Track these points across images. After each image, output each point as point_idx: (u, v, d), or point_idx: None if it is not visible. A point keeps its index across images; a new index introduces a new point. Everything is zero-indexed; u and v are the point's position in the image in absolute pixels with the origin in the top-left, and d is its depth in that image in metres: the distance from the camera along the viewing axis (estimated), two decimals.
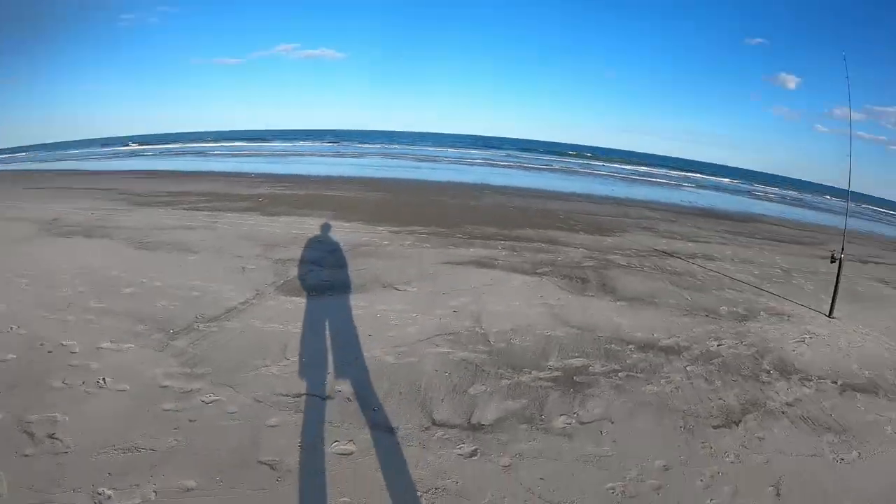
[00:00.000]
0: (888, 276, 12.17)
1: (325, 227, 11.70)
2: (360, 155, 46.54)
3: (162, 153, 51.66)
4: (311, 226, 11.85)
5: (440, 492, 3.46)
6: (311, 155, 45.32)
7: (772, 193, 50.33)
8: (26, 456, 3.94)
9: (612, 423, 4.41)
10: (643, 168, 61.14)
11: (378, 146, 66.82)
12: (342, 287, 7.63)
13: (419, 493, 3.45)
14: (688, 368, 5.57)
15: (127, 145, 70.89)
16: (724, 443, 4.25)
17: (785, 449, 4.27)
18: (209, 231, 11.40)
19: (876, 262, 14.17)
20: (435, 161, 41.27)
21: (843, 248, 8.06)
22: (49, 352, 5.72)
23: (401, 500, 3.42)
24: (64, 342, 5.94)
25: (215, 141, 75.78)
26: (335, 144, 67.37)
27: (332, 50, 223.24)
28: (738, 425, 4.57)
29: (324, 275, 8.21)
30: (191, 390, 4.76)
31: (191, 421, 4.28)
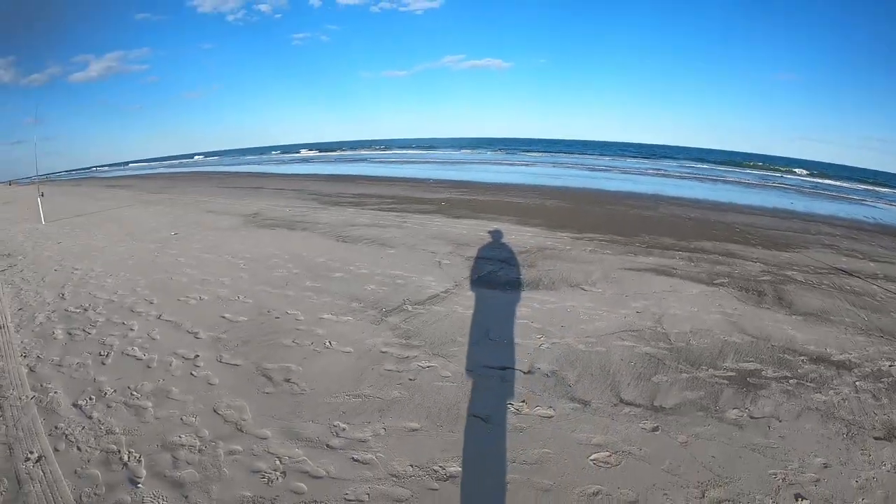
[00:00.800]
0: None
1: (509, 231, 12.33)
2: (530, 164, 46.89)
3: (338, 160, 54.62)
4: (495, 228, 12.52)
5: (626, 454, 4.01)
6: (481, 163, 46.26)
7: None
8: (267, 394, 4.94)
9: (780, 421, 4.72)
10: (824, 181, 57.87)
11: (546, 155, 66.88)
12: (533, 284, 8.22)
13: (609, 453, 4.01)
14: (857, 383, 5.72)
15: (298, 152, 75.73)
16: (884, 453, 4.45)
17: None
18: (400, 230, 12.38)
19: None
20: (607, 171, 41.04)
21: None
22: (277, 318, 6.77)
23: (594, 455, 4.00)
24: (289, 311, 7.00)
25: (387, 148, 79.28)
26: (505, 153, 68.18)
27: (499, 60, 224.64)
28: None
29: (515, 272, 8.82)
30: (408, 357, 5.56)
31: (410, 380, 5.08)
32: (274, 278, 8.51)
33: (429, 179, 27.65)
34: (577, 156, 67.75)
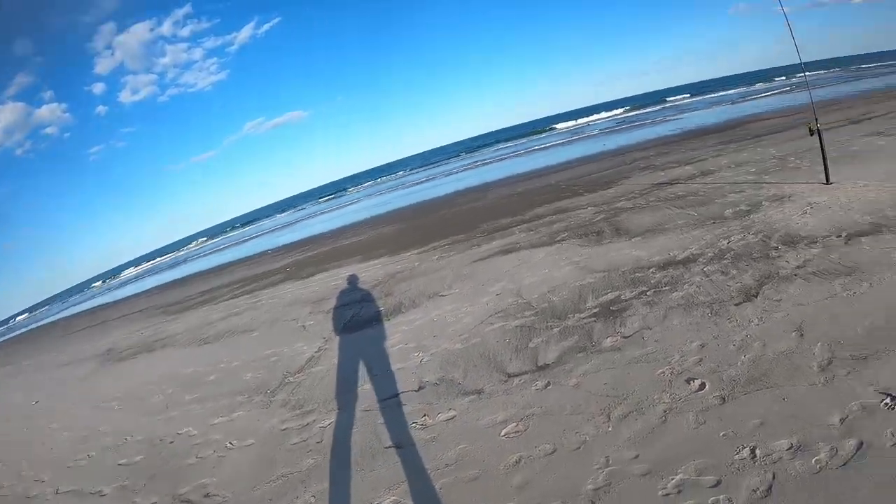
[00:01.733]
0: (881, 127, 12.87)
1: (358, 270, 12.50)
2: (356, 200, 47.29)
3: (171, 265, 52.83)
4: (344, 274, 12.62)
5: (531, 417, 4.28)
6: (310, 217, 46.12)
7: (754, 92, 50.84)
8: None
9: (650, 329, 5.19)
10: (627, 114, 61.78)
11: (370, 185, 67.69)
12: (396, 310, 8.43)
13: (515, 423, 4.26)
14: (705, 269, 6.31)
15: (119, 275, 72.69)
16: (748, 313, 4.99)
17: (801, 301, 5.01)
18: (256, 310, 12.24)
19: (869, 119, 14.85)
20: (428, 181, 41.93)
21: (815, 119, 8.74)
22: (171, 443, 6.58)
23: (503, 431, 4.23)
24: (179, 431, 6.80)
25: (213, 236, 77.33)
26: (330, 199, 68.19)
27: (299, 111, 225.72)
28: (756, 297, 5.32)
29: (376, 306, 8.98)
30: (307, 424, 5.58)
31: (318, 443, 5.12)
32: (152, 406, 8.20)
33: (268, 250, 27.32)
34: (399, 175, 68.90)
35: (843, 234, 6.46)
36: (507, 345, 5.83)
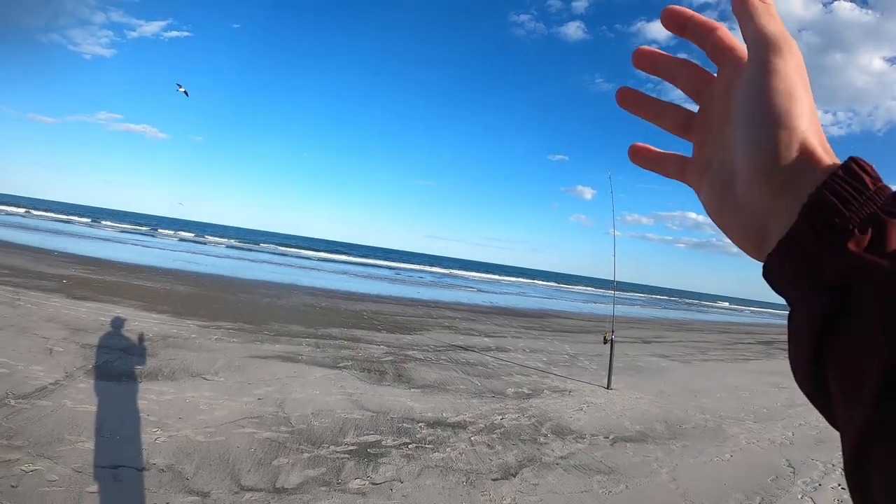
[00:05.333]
0: (667, 351, 14.50)
1: (134, 317, 11.70)
2: (172, 246, 45.37)
3: None
4: (119, 314, 11.77)
5: None
6: (118, 241, 43.58)
7: (569, 291, 54.74)
8: None
9: (402, 482, 5.19)
10: (451, 272, 64.13)
11: (192, 237, 65.23)
12: (153, 374, 7.89)
13: None
14: (472, 438, 6.48)
15: None
16: (502, 490, 5.14)
17: (557, 489, 5.29)
18: (11, 308, 11.11)
19: (659, 342, 16.94)
20: (242, 259, 41.12)
21: (612, 330, 9.78)
22: None
23: None
24: None
25: (12, 205, 70.79)
26: (149, 231, 64.89)
27: (156, 129, 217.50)
28: (514, 476, 5.52)
29: (134, 362, 8.41)
30: (9, 460, 4.98)
31: (13, 486, 4.56)
32: None
33: (54, 251, 25.27)
34: (226, 240, 66.97)
35: (611, 436, 6.98)
36: (250, 454, 5.58)
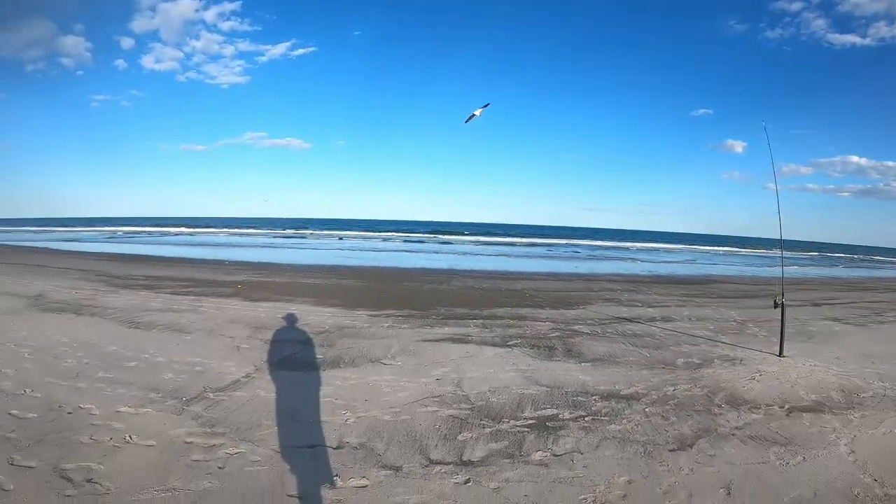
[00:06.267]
0: (840, 314, 13.67)
1: (308, 312, 12.30)
2: (328, 245, 47.28)
3: (127, 238, 51.77)
4: (294, 311, 12.42)
5: None
6: (280, 245, 45.82)
7: (730, 254, 52.46)
8: (68, 496, 4.49)
9: (581, 453, 5.13)
10: (605, 243, 62.99)
11: (346, 234, 67.68)
12: (334, 362, 8.27)
13: None
14: (646, 410, 6.32)
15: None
16: (680, 461, 4.99)
17: (734, 461, 5.05)
18: (196, 314, 11.97)
19: (830, 304, 15.80)
20: (398, 251, 42.20)
21: (782, 294, 9.09)
22: (69, 413, 6.26)
23: None
24: (82, 405, 6.48)
25: (176, 226, 76.35)
26: (304, 233, 68.03)
27: (300, 140, 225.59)
28: (691, 447, 5.32)
29: (315, 353, 8.82)
30: (214, 445, 5.35)
31: (220, 468, 4.90)
32: (63, 369, 7.84)
33: (226, 261, 26.97)
34: (374, 234, 69.08)
35: (787, 406, 6.58)
36: (435, 430, 5.72)
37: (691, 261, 42.58)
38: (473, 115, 11.42)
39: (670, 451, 5.24)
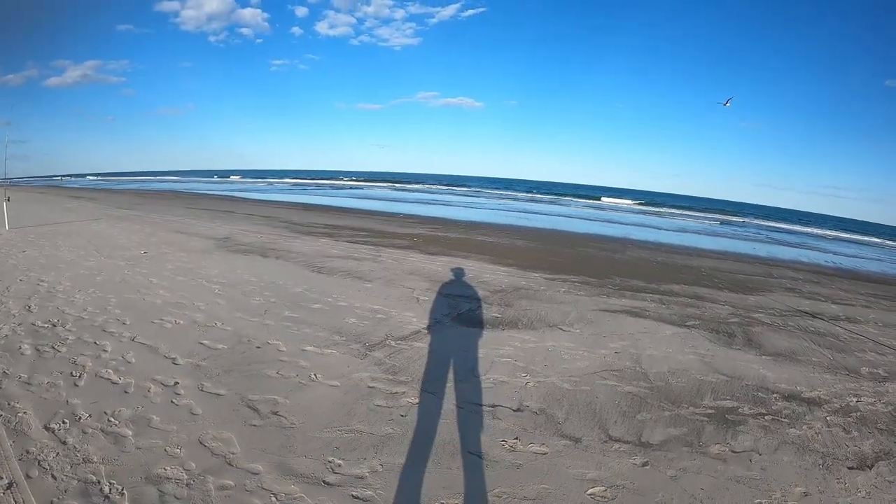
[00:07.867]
0: None
1: (483, 270, 12.51)
2: (499, 204, 47.60)
3: (306, 189, 54.34)
4: (470, 267, 12.69)
5: (620, 489, 4.10)
6: (451, 202, 46.63)
7: None
8: (254, 426, 4.85)
9: (760, 454, 4.88)
10: (780, 225, 59.34)
11: (515, 195, 67.89)
12: (512, 323, 8.34)
13: (604, 488, 4.09)
14: (827, 418, 5.91)
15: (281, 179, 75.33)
16: (858, 481, 4.64)
17: None
18: (375, 263, 12.45)
19: None
20: (579, 214, 41.76)
21: None
22: (258, 347, 6.73)
23: (589, 490, 4.09)
24: (270, 341, 6.96)
25: (355, 179, 79.75)
26: (475, 191, 68.97)
27: (471, 99, 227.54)
28: (870, 469, 4.93)
29: (493, 311, 8.91)
30: (396, 393, 5.58)
31: (402, 416, 5.11)
32: (251, 306, 8.48)
33: (399, 214, 27.79)
34: (546, 197, 68.82)
35: None
36: (615, 406, 5.63)
37: (878, 256, 38.91)
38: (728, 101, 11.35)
39: (849, 468, 4.89)
